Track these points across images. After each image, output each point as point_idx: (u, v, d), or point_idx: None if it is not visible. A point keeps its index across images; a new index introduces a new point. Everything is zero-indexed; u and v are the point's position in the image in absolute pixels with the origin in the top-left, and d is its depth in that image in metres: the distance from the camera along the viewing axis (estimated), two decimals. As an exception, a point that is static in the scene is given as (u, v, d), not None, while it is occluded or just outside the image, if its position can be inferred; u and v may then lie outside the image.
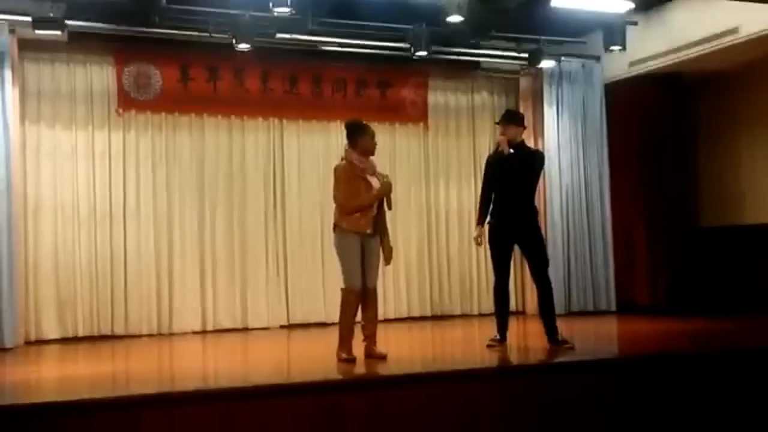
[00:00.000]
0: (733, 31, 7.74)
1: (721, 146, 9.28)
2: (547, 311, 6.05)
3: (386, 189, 5.70)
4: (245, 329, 8.40)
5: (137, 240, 8.17)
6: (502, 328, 6.15)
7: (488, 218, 6.19)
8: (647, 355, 5.80)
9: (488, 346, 6.09)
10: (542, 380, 5.10)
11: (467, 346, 6.98)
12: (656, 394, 5.19)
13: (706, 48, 8.07)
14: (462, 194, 9.48)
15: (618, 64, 9.01)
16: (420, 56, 8.14)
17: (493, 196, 6.17)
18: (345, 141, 5.84)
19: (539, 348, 6.06)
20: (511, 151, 6.05)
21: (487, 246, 6.23)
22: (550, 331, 5.99)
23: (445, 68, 9.29)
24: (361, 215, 5.63)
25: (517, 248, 6.30)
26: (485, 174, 6.32)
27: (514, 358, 6.02)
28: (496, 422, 4.86)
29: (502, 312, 6.20)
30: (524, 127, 6.36)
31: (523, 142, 6.27)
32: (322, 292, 8.63)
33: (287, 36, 8.01)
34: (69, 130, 8.05)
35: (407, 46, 8.16)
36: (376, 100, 9.05)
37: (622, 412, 5.11)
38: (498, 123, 6.37)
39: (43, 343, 7.66)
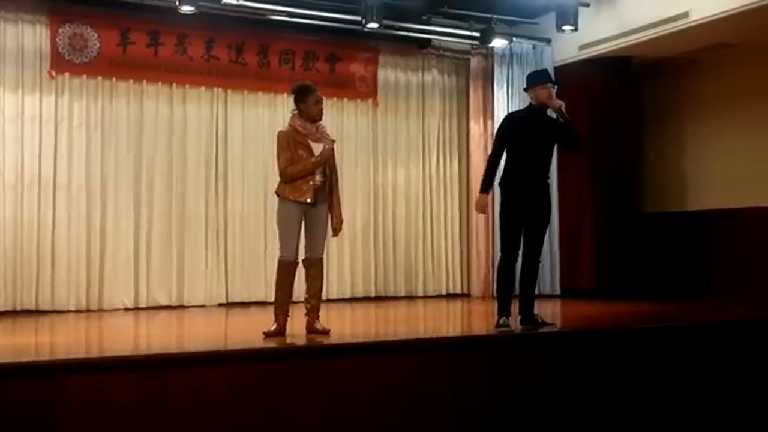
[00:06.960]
0: (684, 15, 7.73)
1: (666, 132, 9.33)
2: (530, 290, 5.75)
3: (326, 155, 5.42)
4: (181, 307, 8.07)
5: (67, 210, 7.72)
6: (507, 309, 5.52)
7: (500, 185, 5.65)
8: (589, 329, 5.84)
9: (499, 327, 5.41)
10: (487, 352, 4.99)
11: (412, 324, 6.80)
12: (596, 366, 5.21)
13: (656, 32, 8.03)
14: (410, 174, 9.30)
15: (568, 47, 8.94)
16: (371, 29, 7.91)
17: (504, 161, 5.61)
18: (292, 105, 5.59)
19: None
20: (568, 117, 5.59)
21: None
22: (529, 309, 5.69)
23: (396, 44, 9.11)
24: (303, 183, 5.35)
25: None
26: (505, 134, 5.62)
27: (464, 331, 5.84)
28: (441, 391, 4.74)
29: (508, 292, 5.58)
30: None
31: None
32: (263, 269, 8.30)
33: (234, 1, 7.69)
34: (-4, 91, 7.59)
35: (358, 18, 7.93)
36: (325, 74, 8.77)
37: (563, 386, 5.08)
38: (549, 84, 5.63)
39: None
